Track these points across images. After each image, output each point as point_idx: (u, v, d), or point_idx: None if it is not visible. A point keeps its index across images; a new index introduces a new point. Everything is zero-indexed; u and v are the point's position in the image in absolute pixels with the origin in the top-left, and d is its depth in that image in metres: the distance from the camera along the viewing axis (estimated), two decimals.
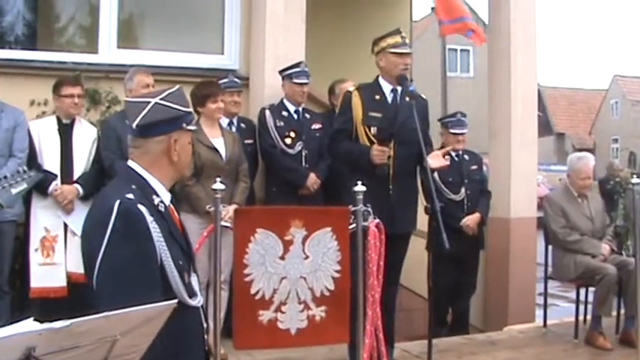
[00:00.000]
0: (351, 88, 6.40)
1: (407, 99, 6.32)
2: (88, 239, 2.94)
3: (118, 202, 2.84)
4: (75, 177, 6.50)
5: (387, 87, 6.34)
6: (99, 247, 2.81)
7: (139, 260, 2.82)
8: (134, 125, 3.04)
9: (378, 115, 6.23)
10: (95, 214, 2.97)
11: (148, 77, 6.66)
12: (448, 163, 6.30)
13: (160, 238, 2.86)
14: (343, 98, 6.39)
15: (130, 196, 2.88)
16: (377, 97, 6.30)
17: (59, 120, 6.65)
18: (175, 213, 3.20)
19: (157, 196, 3.04)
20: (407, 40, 6.32)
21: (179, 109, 3.05)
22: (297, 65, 7.30)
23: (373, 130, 6.19)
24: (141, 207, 2.86)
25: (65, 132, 6.61)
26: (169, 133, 3.05)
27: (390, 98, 6.33)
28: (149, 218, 2.86)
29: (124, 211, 2.83)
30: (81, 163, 6.57)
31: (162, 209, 3.02)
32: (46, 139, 6.53)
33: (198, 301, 3.08)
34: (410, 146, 6.18)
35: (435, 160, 6.09)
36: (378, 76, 6.42)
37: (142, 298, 2.40)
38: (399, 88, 6.34)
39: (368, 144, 6.16)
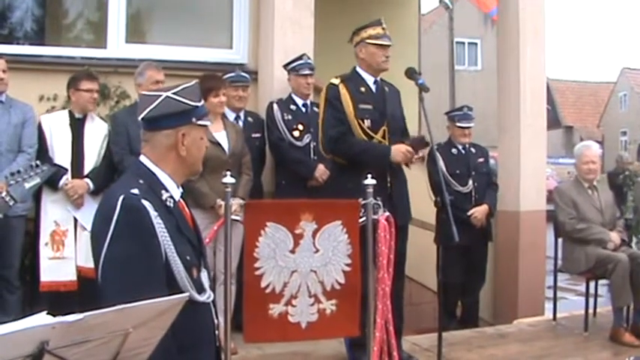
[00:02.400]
0: (335, 81, 6.30)
1: (386, 89, 6.33)
2: (95, 236, 2.94)
3: (122, 197, 2.84)
4: (85, 172, 6.52)
5: (369, 78, 6.33)
6: (103, 243, 2.82)
7: (141, 255, 2.81)
8: (140, 118, 3.05)
9: (369, 107, 6.20)
10: (101, 210, 2.97)
11: (159, 74, 6.65)
12: (410, 156, 6.26)
13: (164, 234, 2.85)
14: (329, 92, 6.28)
15: (135, 191, 2.88)
16: (362, 89, 6.27)
17: (71, 114, 6.66)
18: (186, 208, 3.19)
19: (166, 191, 3.03)
20: (387, 32, 6.28)
21: (187, 103, 3.02)
22: (300, 58, 7.33)
23: (367, 122, 6.16)
24: (145, 202, 2.85)
25: (77, 127, 6.62)
26: (177, 127, 3.03)
27: (374, 89, 6.32)
28: (153, 214, 2.84)
29: (128, 207, 2.83)
30: (92, 158, 6.58)
31: (171, 204, 3.01)
32: (57, 133, 6.54)
33: (207, 297, 3.07)
34: (399, 136, 6.23)
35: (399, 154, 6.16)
36: (355, 68, 6.40)
37: (144, 292, 2.38)
38: (379, 79, 6.35)
39: (363, 137, 6.16)
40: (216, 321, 3.20)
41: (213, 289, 3.25)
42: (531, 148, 8.88)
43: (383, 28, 6.24)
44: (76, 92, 6.62)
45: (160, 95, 3.02)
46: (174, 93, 3.02)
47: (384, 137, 6.20)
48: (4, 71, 6.35)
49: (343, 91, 6.19)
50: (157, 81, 6.53)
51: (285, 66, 7.41)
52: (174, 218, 3.00)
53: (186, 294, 2.65)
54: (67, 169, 6.38)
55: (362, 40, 6.26)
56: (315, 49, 7.69)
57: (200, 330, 3.04)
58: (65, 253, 6.38)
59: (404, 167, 6.37)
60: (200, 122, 3.10)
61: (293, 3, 7.72)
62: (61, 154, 6.47)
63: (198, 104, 3.08)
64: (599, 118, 52.16)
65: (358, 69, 6.36)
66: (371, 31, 6.23)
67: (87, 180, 6.47)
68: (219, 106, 6.54)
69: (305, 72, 7.31)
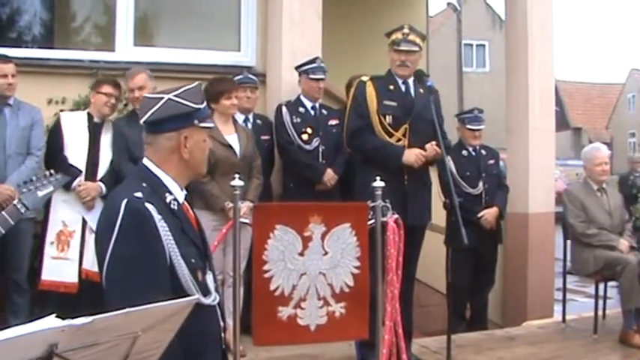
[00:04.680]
0: (365, 78, 6.39)
1: (421, 91, 6.33)
2: (99, 239, 2.95)
3: (125, 201, 2.84)
4: (99, 176, 6.54)
5: (399, 79, 6.36)
6: (107, 246, 2.82)
7: (145, 259, 2.80)
8: (142, 121, 3.04)
9: (393, 103, 6.24)
10: (105, 214, 2.97)
11: (132, 80, 6.73)
12: (423, 160, 6.25)
13: (168, 237, 2.84)
14: (357, 88, 6.38)
15: (139, 194, 2.87)
16: (391, 87, 6.32)
17: (90, 117, 6.69)
18: (190, 211, 3.18)
19: (170, 193, 3.02)
20: (410, 37, 6.30)
21: (189, 106, 3.00)
22: (313, 61, 7.29)
23: (388, 118, 6.19)
24: (149, 205, 2.84)
25: (95, 130, 6.65)
26: (179, 130, 3.02)
27: (403, 88, 6.34)
28: (157, 217, 2.84)
29: (131, 210, 2.82)
30: (106, 163, 6.60)
31: (175, 207, 3.00)
32: (75, 133, 6.58)
33: (212, 300, 3.05)
34: (424, 137, 6.20)
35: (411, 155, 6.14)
36: (390, 70, 6.43)
37: (149, 295, 2.39)
38: (410, 81, 6.35)
39: (383, 133, 6.17)
40: (222, 324, 3.18)
41: (221, 291, 3.24)
42: (540, 150, 8.86)
43: (403, 34, 6.28)
44: (95, 95, 6.69)
45: (162, 98, 3.00)
46: (175, 95, 3.00)
47: (404, 135, 6.20)
48: (13, 75, 6.38)
49: (369, 88, 6.26)
50: (132, 88, 6.71)
51: (297, 67, 7.39)
52: (179, 221, 2.99)
53: (196, 296, 2.64)
54: (81, 171, 6.39)
55: (389, 44, 6.34)
56: (323, 51, 7.68)
57: (205, 333, 3.02)
58: (69, 255, 6.41)
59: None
60: (202, 124, 3.09)
61: (300, 6, 7.72)
62: (77, 156, 6.49)
63: (200, 106, 3.07)
64: (608, 119, 52.02)
65: (392, 70, 6.41)
66: (393, 37, 6.34)
67: (100, 183, 6.50)
68: (231, 108, 6.56)
69: (318, 76, 7.28)
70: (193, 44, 8.20)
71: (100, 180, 6.53)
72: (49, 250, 6.42)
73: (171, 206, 2.99)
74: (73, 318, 2.00)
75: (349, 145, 6.48)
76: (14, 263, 6.37)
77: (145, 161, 3.07)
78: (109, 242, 2.81)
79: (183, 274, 2.87)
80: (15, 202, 5.31)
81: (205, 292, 3.01)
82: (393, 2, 11.68)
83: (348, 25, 11.01)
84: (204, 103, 3.11)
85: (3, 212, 5.27)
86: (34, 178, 5.29)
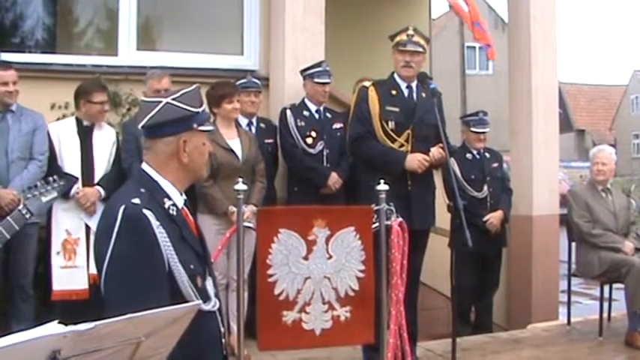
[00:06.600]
0: (367, 84, 6.40)
1: (423, 95, 6.32)
2: (97, 245, 2.93)
3: (123, 207, 2.82)
4: (96, 179, 6.53)
5: (402, 83, 6.35)
6: (105, 253, 2.80)
7: (143, 265, 2.78)
8: (140, 126, 3.02)
9: (396, 109, 6.23)
10: (103, 220, 2.95)
11: (160, 82, 6.69)
12: (425, 165, 6.24)
13: (166, 243, 2.82)
14: (359, 93, 6.38)
15: (136, 200, 2.85)
16: (393, 92, 6.31)
17: (79, 122, 6.66)
18: (190, 216, 3.15)
19: (169, 199, 3.00)
20: (415, 39, 6.29)
21: (187, 109, 2.98)
22: (318, 65, 7.29)
23: (391, 124, 6.19)
24: (146, 212, 2.82)
25: (85, 134, 6.63)
26: (178, 134, 2.99)
27: (406, 93, 6.33)
28: (155, 223, 2.82)
29: (129, 217, 2.80)
30: (101, 166, 6.59)
31: (174, 212, 2.98)
32: (66, 141, 6.56)
33: (212, 305, 3.03)
34: (427, 141, 6.20)
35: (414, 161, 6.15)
36: (393, 73, 6.43)
37: (147, 303, 2.35)
38: (414, 85, 6.35)
39: (385, 139, 6.17)
40: (222, 329, 3.15)
41: (225, 295, 3.22)
42: (543, 152, 8.84)
43: (408, 35, 6.28)
44: (87, 104, 6.60)
45: (160, 102, 2.98)
46: (173, 99, 2.98)
47: (407, 141, 6.20)
48: (14, 83, 6.36)
49: (372, 93, 6.26)
50: (157, 90, 6.54)
51: (302, 71, 7.40)
52: (178, 227, 2.97)
53: (198, 302, 2.63)
54: (77, 178, 6.37)
55: (393, 46, 6.34)
56: (325, 54, 7.67)
57: (205, 339, 3.00)
58: (77, 262, 6.40)
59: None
60: (202, 128, 3.06)
61: (303, 9, 7.71)
62: (71, 163, 6.49)
63: (199, 110, 3.04)
64: (611, 121, 52.05)
65: (395, 74, 6.41)
66: (397, 38, 6.33)
67: (98, 187, 6.49)
68: (233, 112, 6.55)
69: (323, 80, 7.28)
70: (196, 48, 8.21)
71: (98, 184, 6.52)
72: (56, 260, 6.40)
73: (170, 212, 2.96)
74: (76, 324, 1.99)
75: (351, 152, 6.50)
76: (20, 268, 6.36)
77: (144, 166, 3.05)
78: (107, 248, 2.79)
79: (182, 280, 2.85)
80: (20, 207, 5.33)
81: (205, 297, 2.98)
82: (395, 5, 11.68)
83: (350, 29, 11.00)
84: (203, 106, 3.09)
85: (8, 218, 5.28)
86: (38, 184, 5.31)
